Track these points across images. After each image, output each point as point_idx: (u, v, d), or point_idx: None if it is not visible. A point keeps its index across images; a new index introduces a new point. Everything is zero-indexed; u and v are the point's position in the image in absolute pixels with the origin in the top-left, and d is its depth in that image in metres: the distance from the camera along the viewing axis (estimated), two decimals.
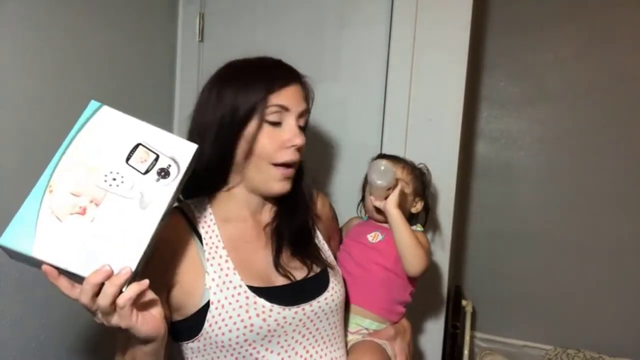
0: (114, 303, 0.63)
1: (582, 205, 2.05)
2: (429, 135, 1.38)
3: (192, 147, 0.73)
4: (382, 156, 1.20)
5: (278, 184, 0.90)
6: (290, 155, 0.89)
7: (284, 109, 0.88)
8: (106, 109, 0.72)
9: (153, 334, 0.69)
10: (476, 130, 2.18)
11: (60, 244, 0.64)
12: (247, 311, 0.83)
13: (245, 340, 0.82)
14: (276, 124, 0.89)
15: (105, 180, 0.68)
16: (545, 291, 2.12)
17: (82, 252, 0.64)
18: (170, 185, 0.70)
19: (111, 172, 0.69)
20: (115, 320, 0.65)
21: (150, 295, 0.69)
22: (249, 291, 0.84)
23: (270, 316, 0.84)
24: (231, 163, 0.90)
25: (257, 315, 0.83)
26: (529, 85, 2.11)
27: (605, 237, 2.03)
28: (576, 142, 2.05)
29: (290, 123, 0.89)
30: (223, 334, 0.82)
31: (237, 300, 0.83)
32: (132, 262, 0.65)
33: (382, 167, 1.05)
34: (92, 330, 1.18)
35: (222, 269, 0.86)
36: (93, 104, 0.72)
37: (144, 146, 0.71)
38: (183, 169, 0.71)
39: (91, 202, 0.67)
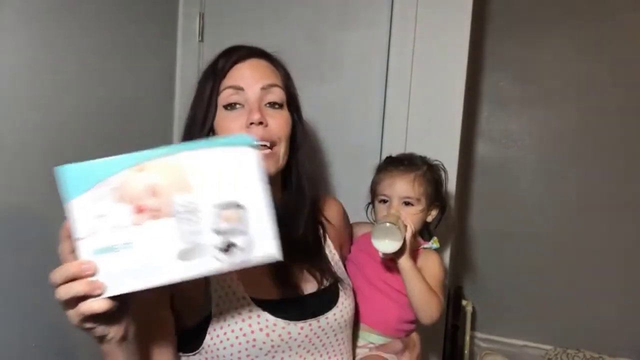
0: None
1: (582, 205, 2.05)
2: (429, 135, 1.38)
3: (271, 252, 0.61)
4: (395, 165, 1.08)
5: None
6: (255, 134, 0.80)
7: (238, 88, 0.84)
8: (254, 153, 0.60)
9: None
10: (476, 130, 2.18)
11: (91, 216, 0.56)
12: (250, 325, 0.79)
13: (248, 355, 0.79)
14: (235, 107, 0.85)
15: (182, 206, 0.58)
16: (546, 291, 2.12)
17: (97, 240, 0.56)
18: (218, 263, 0.59)
19: (192, 204, 0.58)
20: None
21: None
22: (252, 304, 0.81)
23: (274, 331, 0.80)
24: None
25: (261, 329, 0.79)
26: (529, 85, 2.11)
27: (605, 237, 2.03)
28: (576, 142, 2.06)
29: (249, 101, 0.84)
30: (225, 347, 0.79)
31: (240, 313, 0.80)
32: (112, 290, 0.57)
33: (388, 236, 0.93)
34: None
35: (226, 280, 0.82)
36: (247, 137, 0.61)
37: (243, 211, 0.59)
38: (244, 261, 0.60)
39: (153, 210, 0.57)
